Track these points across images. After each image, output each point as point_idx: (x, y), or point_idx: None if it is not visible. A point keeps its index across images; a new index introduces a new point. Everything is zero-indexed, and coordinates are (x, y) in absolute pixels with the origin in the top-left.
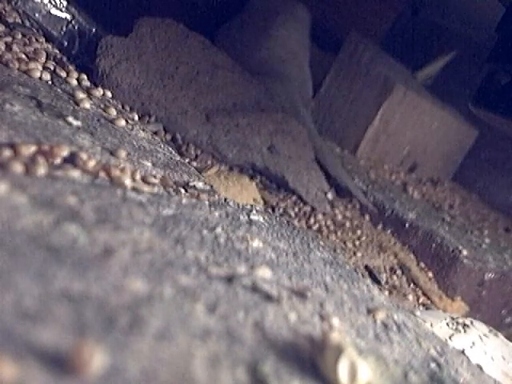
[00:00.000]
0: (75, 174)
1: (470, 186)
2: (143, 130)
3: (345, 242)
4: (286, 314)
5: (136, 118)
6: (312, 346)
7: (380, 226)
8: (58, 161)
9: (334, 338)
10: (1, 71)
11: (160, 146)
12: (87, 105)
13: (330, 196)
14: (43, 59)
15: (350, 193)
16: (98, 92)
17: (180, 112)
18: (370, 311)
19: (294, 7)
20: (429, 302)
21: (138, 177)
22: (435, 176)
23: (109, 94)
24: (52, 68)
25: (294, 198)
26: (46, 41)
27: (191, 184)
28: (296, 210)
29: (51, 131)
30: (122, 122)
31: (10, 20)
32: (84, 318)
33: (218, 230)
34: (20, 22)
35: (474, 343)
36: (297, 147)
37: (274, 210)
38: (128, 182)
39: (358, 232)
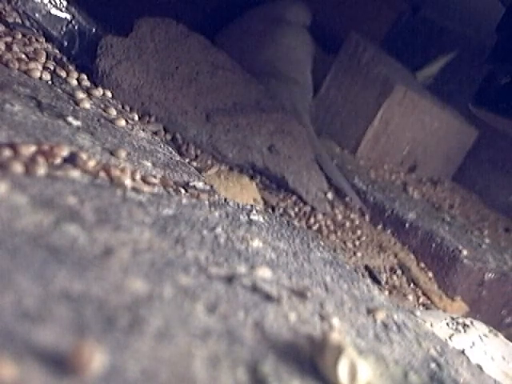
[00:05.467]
0: (75, 173)
1: (470, 186)
2: (143, 130)
3: (345, 242)
4: (286, 314)
5: (136, 118)
6: (312, 346)
7: (380, 226)
8: (58, 161)
9: (334, 338)
10: (1, 71)
11: (160, 146)
12: (87, 105)
13: (329, 196)
14: (43, 59)
15: (345, 194)
16: (98, 92)
17: (180, 112)
18: (370, 311)
19: (296, 13)
20: (429, 301)
21: (138, 177)
22: (435, 176)
23: (109, 94)
24: (52, 68)
25: (294, 198)
26: (46, 41)
27: (191, 184)
28: (296, 209)
29: (51, 131)
30: (122, 122)
31: (10, 20)
32: (84, 318)
33: (218, 229)
34: (20, 22)
35: (473, 343)
36: (297, 147)
37: (274, 210)
38: (128, 182)
39: (358, 232)
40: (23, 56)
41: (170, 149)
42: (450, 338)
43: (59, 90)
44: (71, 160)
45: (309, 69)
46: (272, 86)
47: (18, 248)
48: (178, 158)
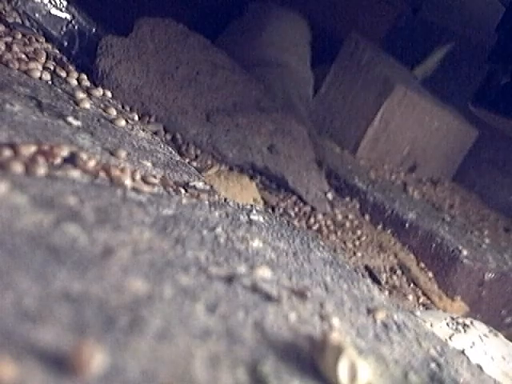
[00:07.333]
0: (75, 173)
1: (470, 186)
2: (143, 130)
3: (345, 242)
4: (286, 314)
5: (136, 118)
6: (312, 346)
7: (380, 226)
8: (58, 161)
9: (334, 338)
10: (1, 71)
11: (160, 146)
12: (87, 105)
13: (329, 196)
14: (43, 59)
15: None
16: (98, 92)
17: (180, 112)
18: (370, 311)
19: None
20: (429, 301)
21: (137, 177)
22: (435, 176)
23: (109, 94)
24: (52, 68)
25: (294, 197)
26: (46, 41)
27: (191, 184)
28: (296, 209)
29: (51, 131)
30: (122, 122)
31: (10, 20)
32: (84, 318)
33: (218, 229)
34: (20, 21)
35: (473, 343)
36: (297, 147)
37: (273, 210)
38: (128, 182)
39: (358, 232)
40: (23, 56)
41: (170, 149)
42: (450, 338)
43: (59, 89)
44: (71, 160)
45: (306, 55)
46: (266, 76)
47: (17, 248)
48: (178, 158)
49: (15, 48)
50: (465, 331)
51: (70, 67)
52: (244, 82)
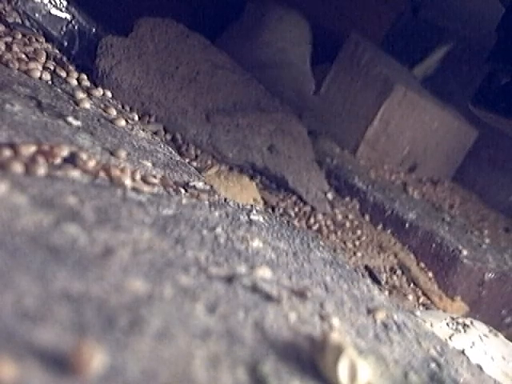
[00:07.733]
0: (75, 173)
1: (470, 186)
2: (143, 130)
3: (345, 242)
4: (286, 314)
5: (136, 118)
6: (312, 346)
7: (380, 226)
8: (58, 161)
9: (334, 338)
10: (1, 71)
11: (160, 146)
12: (87, 105)
13: (329, 196)
14: (43, 59)
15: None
16: (98, 92)
17: (180, 112)
18: (370, 311)
19: (292, 11)
20: (429, 301)
21: (137, 177)
22: (435, 176)
23: (109, 94)
24: (52, 68)
25: (294, 197)
26: (46, 41)
27: (191, 184)
28: (296, 209)
29: (51, 131)
30: (122, 122)
31: (10, 20)
32: (84, 318)
33: (218, 230)
34: (20, 21)
35: (473, 343)
36: (297, 147)
37: (273, 210)
38: (128, 182)
39: (358, 232)
40: (23, 56)
41: (170, 149)
42: (450, 338)
43: (59, 89)
44: (71, 160)
45: (306, 55)
46: (266, 76)
47: (18, 248)
48: (178, 158)
49: (15, 48)
50: (465, 331)
51: (70, 67)
52: (244, 82)
